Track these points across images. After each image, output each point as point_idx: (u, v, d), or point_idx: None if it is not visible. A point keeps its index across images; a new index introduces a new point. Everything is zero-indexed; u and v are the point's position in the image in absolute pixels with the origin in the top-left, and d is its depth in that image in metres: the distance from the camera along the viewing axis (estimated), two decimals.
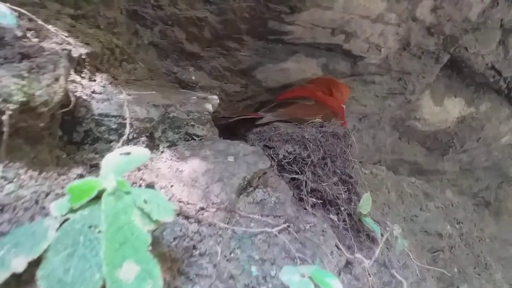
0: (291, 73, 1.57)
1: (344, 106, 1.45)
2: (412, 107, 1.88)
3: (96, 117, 0.81)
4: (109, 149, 0.81)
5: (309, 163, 1.11)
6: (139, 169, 0.79)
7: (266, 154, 1.09)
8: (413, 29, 1.63)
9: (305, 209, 1.03)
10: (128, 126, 0.81)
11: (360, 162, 1.62)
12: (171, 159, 0.85)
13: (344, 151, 1.23)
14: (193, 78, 1.44)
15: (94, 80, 0.91)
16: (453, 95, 1.94)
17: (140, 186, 0.73)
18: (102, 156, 0.67)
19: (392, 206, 1.63)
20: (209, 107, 1.00)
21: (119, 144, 0.80)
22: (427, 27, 1.64)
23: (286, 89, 1.48)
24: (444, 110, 1.95)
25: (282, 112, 1.19)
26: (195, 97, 1.02)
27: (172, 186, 0.77)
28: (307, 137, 1.14)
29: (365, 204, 1.16)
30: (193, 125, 0.96)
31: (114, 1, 1.15)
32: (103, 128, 0.82)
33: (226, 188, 0.80)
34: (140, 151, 0.62)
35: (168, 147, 0.90)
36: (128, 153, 0.60)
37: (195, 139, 0.97)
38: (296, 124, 1.18)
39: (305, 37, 1.47)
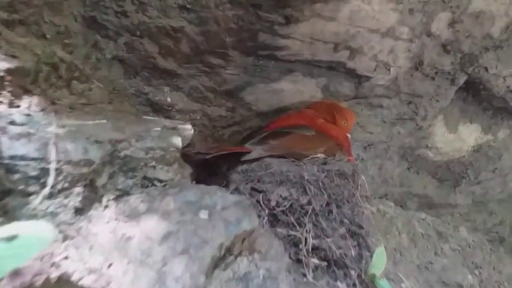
0: (285, 95, 1.34)
1: (349, 136, 1.22)
2: (423, 134, 1.66)
3: (7, 161, 0.56)
4: (26, 206, 0.56)
5: (309, 211, 0.87)
6: (64, 239, 0.54)
7: (255, 200, 0.84)
8: (427, 46, 1.41)
9: (305, 276, 0.78)
10: (52, 172, 0.56)
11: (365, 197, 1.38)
12: (116, 219, 0.60)
13: (353, 194, 0.99)
14: (169, 100, 1.20)
15: (17, 106, 0.66)
16: (469, 120, 1.72)
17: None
18: (16, 218, 0.43)
19: (404, 252, 1.39)
20: (177, 141, 0.75)
21: (39, 199, 0.55)
22: (443, 43, 1.43)
23: (280, 115, 1.24)
24: (458, 138, 1.73)
25: (275, 145, 0.95)
26: (159, 128, 0.77)
27: (110, 266, 0.52)
28: (307, 177, 0.90)
29: (379, 262, 0.92)
30: (154, 167, 0.72)
31: (64, 5, 0.91)
32: (17, 176, 0.57)
33: (192, 265, 0.55)
34: (37, 231, 0.36)
35: (116, 198, 0.65)
36: (13, 237, 0.35)
37: (156, 185, 0.72)
38: (292, 161, 0.94)
39: (302, 53, 1.24)
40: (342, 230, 0.93)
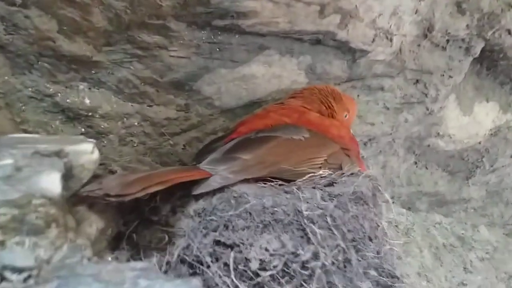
0: (258, 82, 0.98)
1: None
2: (434, 119, 1.33)
3: None
4: None
5: (316, 271, 0.51)
6: None
7: (222, 266, 0.48)
8: (439, 5, 1.09)
9: None
10: None
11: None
12: None
13: (377, 224, 0.64)
14: (87, 101, 0.81)
15: None
16: (485, 99, 1.42)
17: None
18: None
19: (430, 275, 1.09)
20: (55, 182, 0.37)
21: None
22: (457, 1, 1.10)
23: (254, 112, 0.86)
24: (474, 121, 1.42)
25: (249, 161, 0.58)
26: (11, 161, 0.38)
27: None
28: (307, 213, 0.54)
29: None
30: (2, 243, 0.33)
31: None
32: None
33: None
34: None
35: None
36: None
37: (10, 281, 0.33)
38: (280, 185, 0.57)
39: (277, 20, 0.88)
40: (366, 286, 0.58)
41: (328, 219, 0.55)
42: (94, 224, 0.45)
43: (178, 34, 0.81)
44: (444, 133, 1.39)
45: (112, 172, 0.60)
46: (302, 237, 0.53)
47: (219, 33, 0.86)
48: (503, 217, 1.88)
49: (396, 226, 1.20)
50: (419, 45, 1.14)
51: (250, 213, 0.52)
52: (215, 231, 0.51)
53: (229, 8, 0.80)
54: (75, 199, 0.46)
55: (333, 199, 0.56)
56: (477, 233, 1.53)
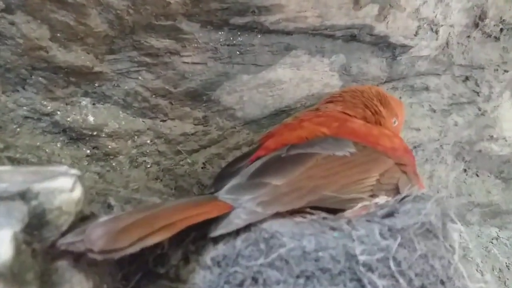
0: (286, 88, 0.85)
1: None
2: (487, 121, 1.17)
3: None
4: None
5: None
6: None
7: None
8: None
9: None
10: None
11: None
12: None
13: (449, 262, 0.50)
14: (91, 119, 0.71)
15: None
16: None
17: None
18: None
19: None
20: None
21: None
22: None
23: (284, 121, 0.73)
24: None
25: (283, 188, 0.45)
26: None
27: None
28: (364, 258, 0.40)
29: None
30: None
31: None
32: None
33: None
34: None
35: None
36: None
37: None
38: (324, 218, 0.44)
39: (305, 15, 0.76)
40: None
41: (391, 264, 0.41)
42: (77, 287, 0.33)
43: (192, 37, 0.70)
44: (498, 136, 1.23)
45: (110, 207, 0.48)
46: None
47: (239, 33, 0.75)
48: None
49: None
50: (468, 37, 1.00)
51: (286, 261, 0.39)
52: (240, 286, 0.38)
53: (249, 3, 0.69)
54: (54, 251, 0.34)
55: (396, 236, 0.42)
56: None
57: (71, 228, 0.35)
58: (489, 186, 1.40)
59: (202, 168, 0.83)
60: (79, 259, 0.36)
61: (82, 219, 0.38)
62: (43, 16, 0.59)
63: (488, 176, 1.38)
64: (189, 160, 0.82)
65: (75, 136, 0.71)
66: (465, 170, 1.33)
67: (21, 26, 0.59)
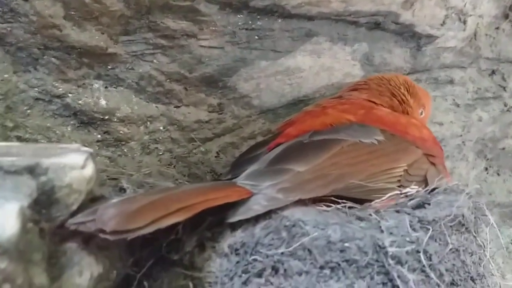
0: (305, 76, 0.82)
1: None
2: None
3: None
4: None
5: None
6: None
7: None
8: None
9: None
10: None
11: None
12: None
13: (479, 258, 0.47)
14: (103, 102, 0.68)
15: None
16: None
17: None
18: None
19: None
20: (4, 223, 0.24)
21: None
22: None
23: (304, 109, 0.70)
24: None
25: (306, 175, 0.42)
26: None
27: None
28: (393, 249, 0.37)
29: None
30: None
31: None
32: None
33: None
34: None
35: None
36: None
37: None
38: (350, 208, 0.41)
39: (329, 0, 0.73)
40: None
41: (422, 257, 0.38)
42: (86, 271, 0.31)
43: (210, 19, 0.68)
44: None
45: (123, 190, 0.46)
46: (385, 283, 0.37)
47: (258, 17, 0.72)
48: None
49: None
50: (497, 28, 0.96)
51: (309, 251, 0.36)
52: (259, 276, 0.36)
53: None
54: (63, 232, 0.32)
55: (427, 228, 0.39)
56: None
57: (81, 209, 0.33)
58: (510, 186, 1.36)
59: (215, 156, 0.80)
60: (89, 241, 0.34)
61: (92, 200, 0.36)
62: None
63: (510, 175, 1.34)
64: (202, 149, 0.79)
65: (86, 120, 0.69)
66: (486, 169, 1.29)
67: (35, 3, 0.57)
